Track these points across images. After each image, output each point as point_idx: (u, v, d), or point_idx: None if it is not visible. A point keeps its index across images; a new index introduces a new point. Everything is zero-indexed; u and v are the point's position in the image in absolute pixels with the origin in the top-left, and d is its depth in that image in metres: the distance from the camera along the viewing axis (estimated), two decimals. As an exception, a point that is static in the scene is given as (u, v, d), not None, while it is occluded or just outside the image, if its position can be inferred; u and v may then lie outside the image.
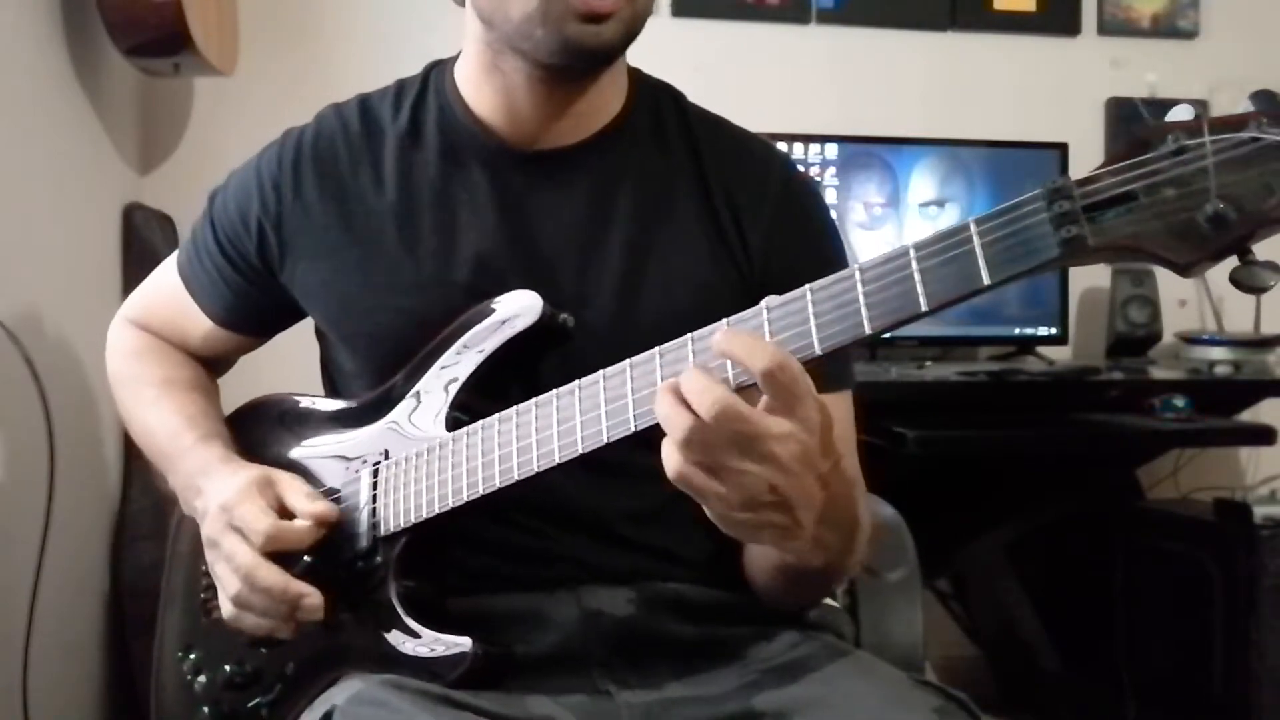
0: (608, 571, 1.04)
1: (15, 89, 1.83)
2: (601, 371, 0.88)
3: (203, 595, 1.13)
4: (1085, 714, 2.57)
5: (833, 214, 1.19)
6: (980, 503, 2.52)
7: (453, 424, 1.00)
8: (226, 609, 1.02)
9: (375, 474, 1.03)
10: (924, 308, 0.76)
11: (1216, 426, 2.39)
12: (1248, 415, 2.61)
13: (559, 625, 1.02)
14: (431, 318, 1.04)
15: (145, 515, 2.12)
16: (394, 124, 1.11)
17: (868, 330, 0.78)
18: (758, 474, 0.77)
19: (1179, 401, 2.27)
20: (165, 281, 1.23)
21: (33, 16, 1.92)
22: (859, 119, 2.69)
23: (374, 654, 0.99)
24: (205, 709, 1.11)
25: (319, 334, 1.17)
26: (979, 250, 0.74)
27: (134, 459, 2.12)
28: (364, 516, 1.02)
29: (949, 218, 2.61)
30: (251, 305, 1.17)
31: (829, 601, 1.16)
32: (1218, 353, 2.57)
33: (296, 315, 1.18)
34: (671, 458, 0.78)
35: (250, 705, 1.07)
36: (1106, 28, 2.85)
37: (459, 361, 1.02)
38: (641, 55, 1.08)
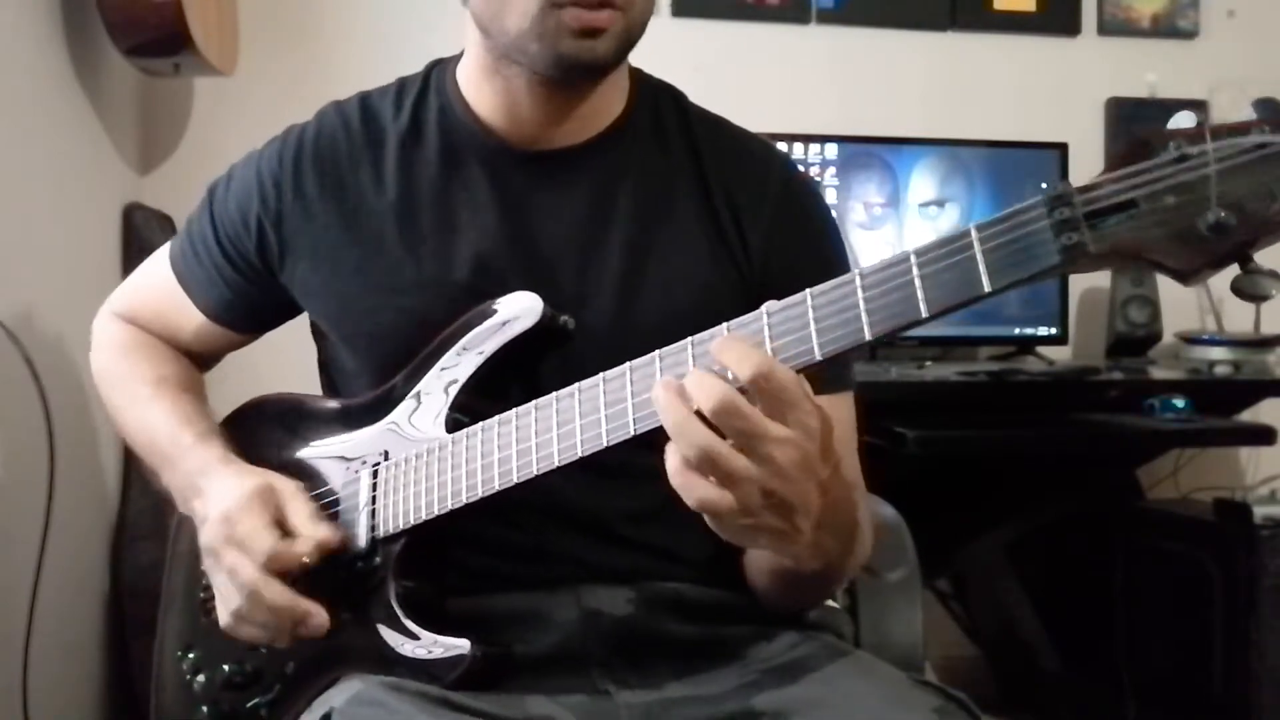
0: (607, 571, 1.04)
1: (15, 89, 1.83)
2: (601, 375, 0.88)
3: (202, 595, 1.13)
4: (1085, 714, 2.57)
5: (833, 214, 1.18)
6: (980, 503, 2.52)
7: (452, 425, 1.00)
8: (225, 619, 1.02)
9: (375, 475, 1.03)
10: (924, 314, 0.76)
11: (1216, 426, 2.39)
12: (1248, 415, 2.61)
13: (558, 625, 1.02)
14: (432, 318, 1.04)
15: (145, 515, 2.12)
16: (395, 122, 1.11)
17: (868, 336, 0.78)
18: (756, 477, 0.77)
19: (1179, 401, 2.27)
20: (157, 274, 1.22)
21: (33, 16, 1.92)
22: (859, 119, 2.69)
23: (373, 655, 0.99)
24: (204, 708, 1.10)
25: (316, 333, 1.17)
26: (980, 256, 0.74)
27: (134, 459, 2.12)
28: (363, 517, 1.02)
29: (949, 218, 2.61)
30: (247, 302, 1.16)
31: (829, 602, 1.16)
32: (1218, 353, 2.57)
33: (291, 313, 1.18)
34: (672, 460, 0.78)
35: (249, 705, 1.07)
36: (1106, 28, 2.85)
37: (459, 363, 1.01)
38: (641, 55, 1.08)
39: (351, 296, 1.08)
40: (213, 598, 1.09)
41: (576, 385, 0.90)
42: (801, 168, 1.29)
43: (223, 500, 1.01)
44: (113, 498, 2.17)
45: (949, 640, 2.75)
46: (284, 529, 1.00)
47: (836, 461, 0.83)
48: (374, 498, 1.02)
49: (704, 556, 1.06)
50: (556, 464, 0.90)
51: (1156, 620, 2.44)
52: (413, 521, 0.99)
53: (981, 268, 0.74)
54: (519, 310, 1.00)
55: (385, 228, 1.08)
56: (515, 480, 0.93)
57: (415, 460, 1.00)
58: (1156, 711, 2.42)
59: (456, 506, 0.96)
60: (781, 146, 1.23)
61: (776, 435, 0.77)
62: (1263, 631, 2.24)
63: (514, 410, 0.94)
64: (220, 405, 1.21)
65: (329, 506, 1.05)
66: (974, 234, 0.75)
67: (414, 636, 0.97)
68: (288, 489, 1.02)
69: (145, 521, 2.11)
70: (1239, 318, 2.70)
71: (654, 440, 0.81)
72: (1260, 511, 2.25)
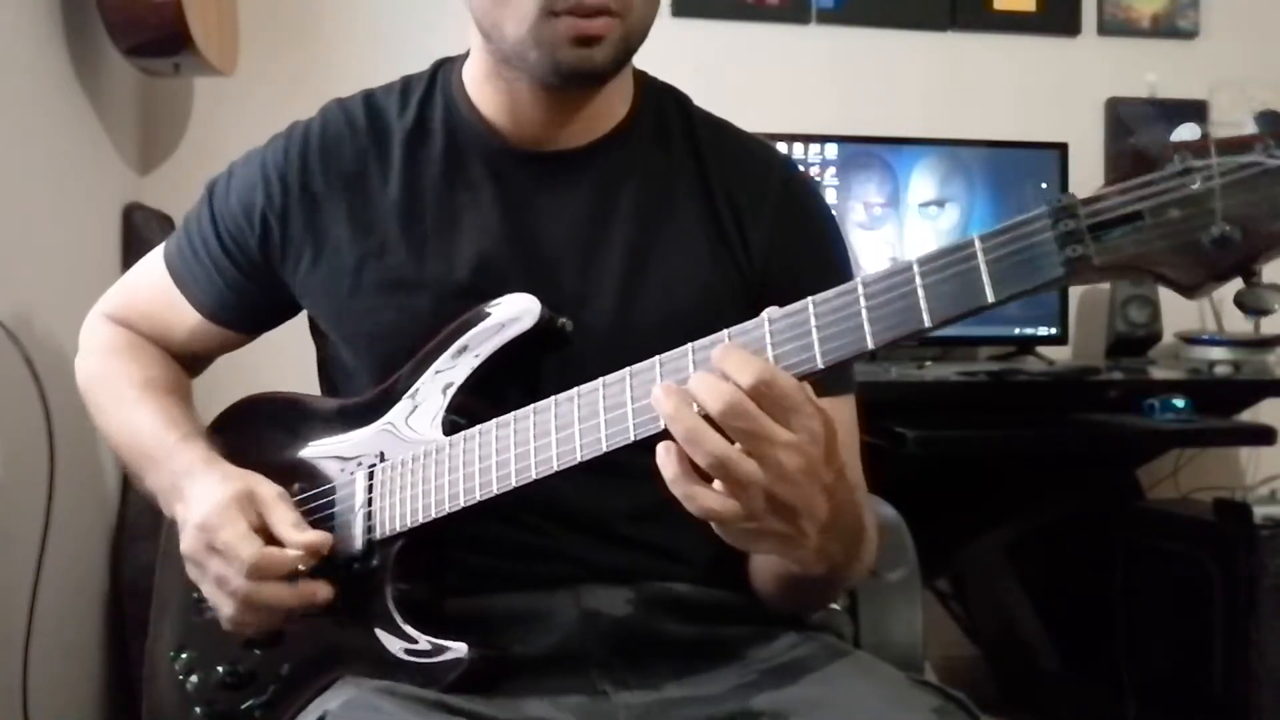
0: (607, 571, 1.04)
1: (15, 89, 1.83)
2: (601, 379, 0.88)
3: (195, 595, 1.11)
4: (1085, 714, 2.57)
5: (834, 216, 1.18)
6: (980, 503, 2.52)
7: (449, 427, 1.00)
8: (225, 624, 1.02)
9: (370, 476, 1.03)
10: (927, 324, 0.76)
11: (1216, 426, 2.39)
12: (1248, 415, 2.61)
13: (557, 625, 1.02)
14: (432, 317, 1.04)
15: (145, 515, 2.11)
16: (400, 121, 1.11)
17: (870, 345, 0.78)
18: (761, 482, 0.77)
19: (1179, 401, 2.27)
20: (150, 275, 1.21)
21: (33, 16, 1.92)
22: (859, 119, 2.69)
23: (369, 657, 0.98)
24: (198, 709, 1.10)
25: (315, 332, 1.17)
26: (983, 267, 0.74)
27: (130, 461, 2.12)
28: (359, 519, 1.02)
29: (949, 218, 2.61)
30: (246, 300, 1.16)
31: (829, 603, 1.16)
32: (1217, 353, 2.57)
33: (288, 313, 1.18)
34: (670, 468, 0.78)
35: (244, 706, 1.07)
36: (1106, 28, 2.85)
37: (456, 364, 1.01)
38: (641, 55, 1.08)
39: (352, 294, 1.08)
40: (205, 599, 1.09)
41: (575, 390, 0.89)
42: (801, 168, 1.29)
43: (200, 506, 1.00)
44: (113, 498, 2.17)
45: (949, 640, 2.75)
46: (267, 535, 0.98)
47: (841, 466, 0.83)
48: (370, 499, 1.02)
49: (704, 556, 1.06)
50: (555, 468, 0.90)
51: (1156, 620, 2.44)
52: (410, 524, 0.99)
53: (985, 278, 0.74)
54: (517, 312, 0.99)
55: (388, 226, 1.08)
56: (514, 484, 0.92)
57: (412, 462, 1.00)
58: (1156, 711, 2.42)
59: (454, 510, 0.96)
60: (781, 146, 1.23)
61: (782, 439, 0.77)
62: (1263, 631, 2.24)
63: (512, 414, 0.94)
64: (219, 405, 1.20)
65: (324, 507, 1.04)
66: (977, 244, 0.75)
67: (411, 639, 0.97)
68: (269, 495, 1.01)
69: (145, 521, 2.11)
70: (1239, 318, 2.69)
71: (654, 444, 0.80)
72: (1260, 511, 2.25)
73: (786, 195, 1.11)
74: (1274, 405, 2.53)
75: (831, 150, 2.56)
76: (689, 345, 0.84)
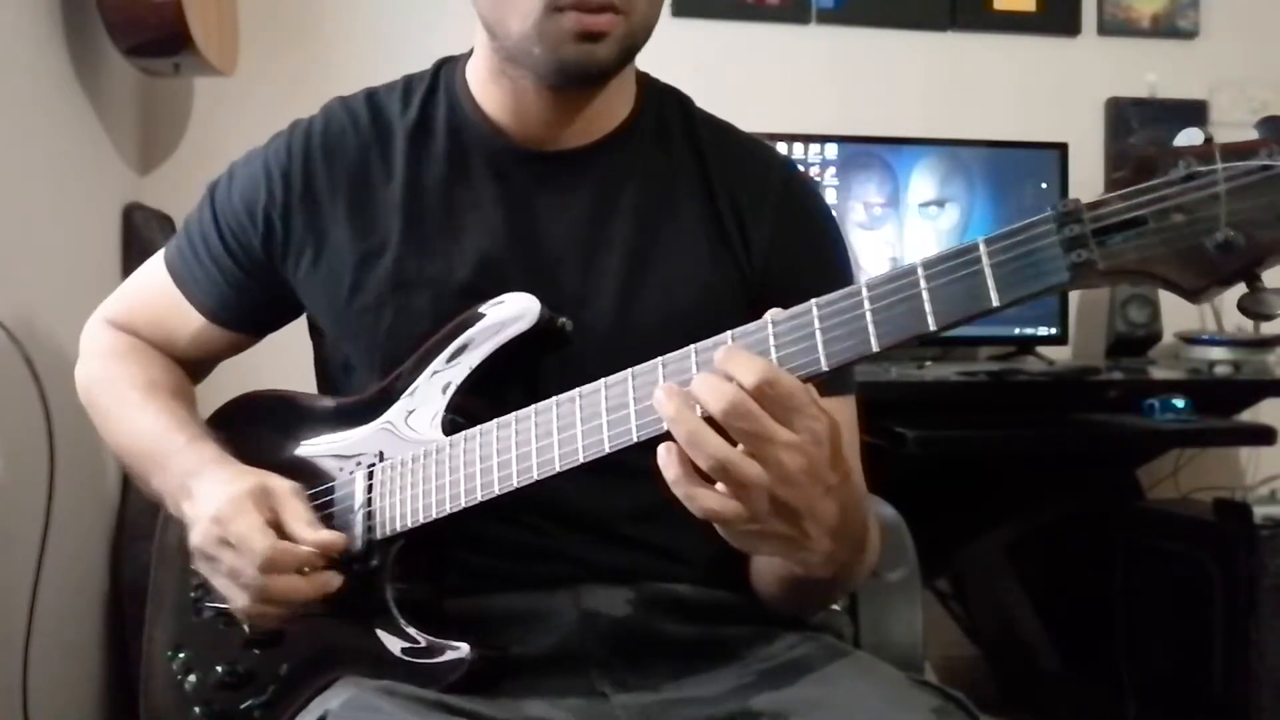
0: (607, 570, 1.04)
1: (15, 89, 1.83)
2: (603, 380, 0.88)
3: (193, 595, 1.12)
4: (1085, 714, 2.57)
5: (835, 217, 1.18)
6: (980, 503, 2.52)
7: (449, 427, 1.00)
8: (239, 617, 1.02)
9: (370, 476, 1.03)
10: (932, 327, 0.76)
11: (1216, 426, 2.39)
12: (1248, 415, 2.61)
13: (557, 626, 1.02)
14: (433, 317, 1.04)
15: (145, 515, 2.11)
16: (402, 119, 1.11)
17: (875, 348, 0.78)
18: (764, 484, 0.77)
19: (1179, 401, 2.27)
20: (151, 279, 1.21)
21: (33, 16, 1.92)
22: (859, 119, 2.69)
23: (368, 657, 0.98)
24: (197, 709, 1.10)
25: (313, 331, 1.17)
26: (988, 271, 0.75)
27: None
28: (359, 519, 1.02)
29: (949, 218, 2.61)
30: (247, 301, 1.16)
31: (829, 604, 1.16)
32: (1217, 353, 2.57)
33: (290, 315, 1.17)
34: (672, 469, 0.78)
35: (243, 706, 1.07)
36: (1106, 28, 2.85)
37: (456, 364, 1.01)
38: (642, 55, 1.08)
39: (353, 293, 1.08)
40: (204, 597, 1.09)
41: (577, 390, 0.89)
42: (801, 168, 1.29)
43: (214, 501, 0.99)
44: (113, 498, 2.17)
45: (949, 640, 2.75)
46: (280, 531, 0.98)
47: (848, 470, 0.83)
48: (370, 499, 1.02)
49: (705, 556, 1.06)
50: (557, 469, 0.90)
51: (1156, 620, 2.44)
52: (411, 524, 0.99)
53: (989, 282, 0.75)
54: (516, 311, 0.99)
55: (390, 224, 1.08)
56: (515, 485, 0.92)
57: (412, 462, 1.00)
58: (1156, 711, 2.42)
59: (455, 510, 0.96)
60: (781, 146, 1.23)
61: (785, 440, 0.77)
62: (1263, 631, 2.24)
63: (513, 414, 0.94)
64: (219, 405, 1.20)
65: (323, 506, 1.04)
66: (982, 248, 0.75)
67: (411, 639, 0.97)
68: (284, 489, 1.00)
69: (145, 521, 2.10)
70: (1239, 318, 2.70)
71: (655, 443, 0.80)
72: (1260, 511, 2.25)
73: (787, 196, 1.11)
74: (1274, 405, 2.53)
75: (831, 150, 2.56)
76: (692, 346, 0.84)
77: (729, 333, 0.83)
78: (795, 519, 0.80)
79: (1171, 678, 2.40)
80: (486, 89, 1.09)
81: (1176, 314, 2.69)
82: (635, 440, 0.85)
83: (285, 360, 1.26)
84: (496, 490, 0.93)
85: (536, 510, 1.02)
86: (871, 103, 2.75)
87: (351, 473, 1.04)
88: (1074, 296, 2.73)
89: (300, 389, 1.16)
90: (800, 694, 0.95)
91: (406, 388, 1.04)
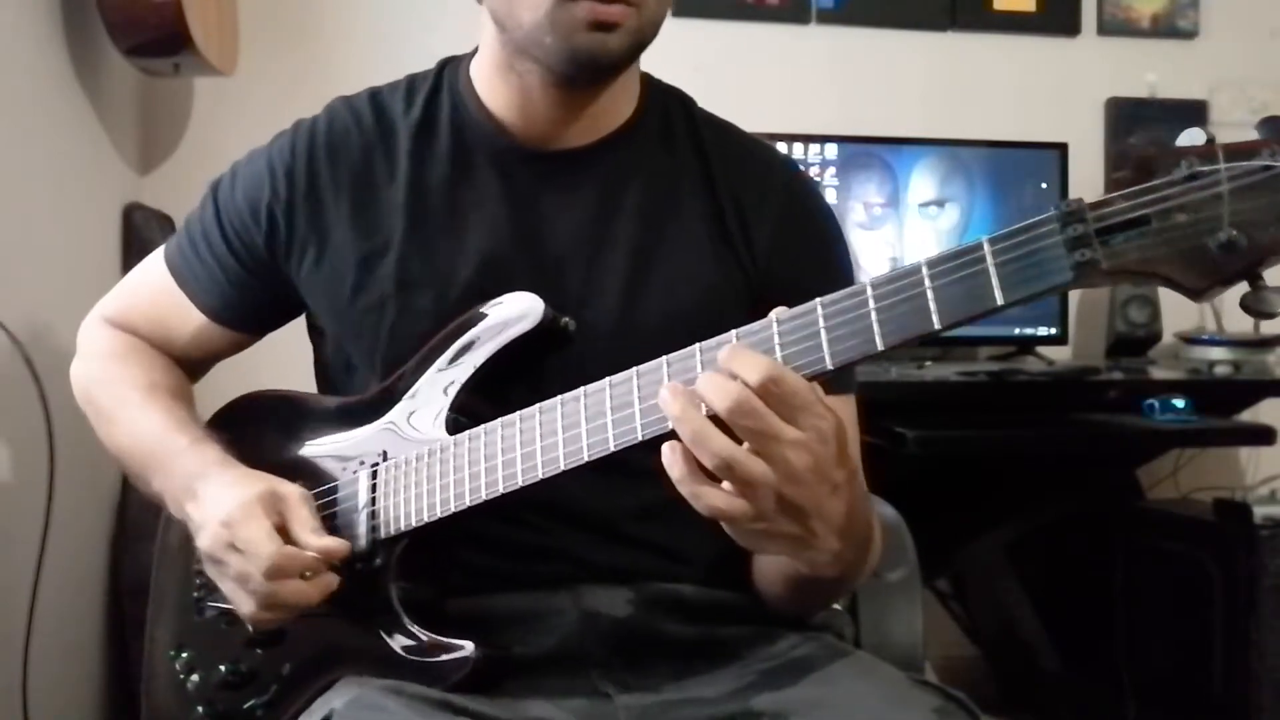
0: (608, 570, 1.04)
1: (15, 89, 1.83)
2: (607, 379, 0.88)
3: (195, 594, 1.12)
4: (1085, 714, 2.57)
5: (838, 219, 1.18)
6: (980, 503, 2.52)
7: (452, 426, 1.00)
8: (246, 621, 1.01)
9: (373, 475, 1.03)
10: (937, 325, 0.76)
11: (1216, 426, 2.39)
12: (1248, 415, 2.61)
13: (558, 626, 1.02)
14: (436, 316, 1.04)
15: (145, 515, 2.11)
16: (406, 118, 1.11)
17: (880, 347, 0.78)
18: (770, 482, 0.77)
19: (1179, 402, 2.27)
20: (151, 277, 1.20)
21: (33, 16, 1.92)
22: (859, 119, 2.69)
23: (372, 656, 0.98)
24: (199, 709, 1.10)
25: (313, 331, 1.17)
26: (992, 270, 0.75)
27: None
28: (363, 518, 1.02)
29: (949, 218, 2.61)
30: (249, 299, 1.15)
31: (830, 604, 1.16)
32: (1217, 353, 2.57)
33: (291, 314, 1.17)
34: (677, 467, 0.78)
35: (246, 706, 1.07)
36: (1106, 28, 2.85)
37: (459, 364, 1.01)
38: (642, 55, 1.08)
39: (356, 292, 1.07)
40: (205, 597, 1.09)
41: (581, 389, 0.89)
42: (802, 169, 1.30)
43: (223, 505, 0.99)
44: (113, 498, 2.17)
45: (949, 640, 2.75)
46: (286, 536, 0.97)
47: (854, 468, 0.83)
48: (374, 499, 1.02)
49: (707, 556, 1.06)
50: (562, 468, 0.90)
51: (1156, 620, 2.44)
52: (415, 524, 0.99)
53: (994, 281, 0.75)
54: (519, 311, 0.99)
55: (394, 223, 1.08)
56: (520, 484, 0.92)
57: (416, 461, 1.00)
58: (1156, 711, 2.42)
59: (459, 509, 0.96)
60: (781, 146, 1.24)
61: (790, 438, 0.77)
62: (1263, 631, 2.24)
63: (517, 413, 0.94)
64: (219, 405, 1.20)
65: (326, 506, 1.04)
66: (986, 247, 0.75)
67: (415, 638, 0.97)
68: (293, 495, 1.00)
69: (145, 521, 2.10)
70: (1239, 318, 2.69)
71: (660, 442, 0.80)
72: (1260, 511, 2.25)
73: (790, 196, 1.12)
74: (1274, 405, 2.53)
75: (831, 150, 2.56)
76: (696, 345, 0.84)
77: (734, 331, 0.83)
78: (802, 518, 0.80)
79: (1171, 678, 2.40)
80: (492, 86, 1.09)
81: (1176, 314, 2.69)
82: (640, 439, 0.85)
83: (285, 360, 1.26)
84: (500, 489, 0.93)
85: (538, 509, 1.02)
86: (871, 103, 2.75)
87: (355, 472, 1.04)
88: (1074, 297, 2.73)
89: (300, 389, 1.16)
90: (801, 694, 0.95)
91: (409, 387, 1.04)
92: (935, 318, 0.76)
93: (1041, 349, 2.64)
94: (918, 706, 0.93)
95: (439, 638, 0.96)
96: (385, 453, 1.03)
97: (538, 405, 0.92)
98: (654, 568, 1.05)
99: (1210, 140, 0.73)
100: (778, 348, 0.80)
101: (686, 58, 2.27)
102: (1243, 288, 0.74)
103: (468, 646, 0.95)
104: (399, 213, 1.08)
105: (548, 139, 1.08)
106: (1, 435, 1.74)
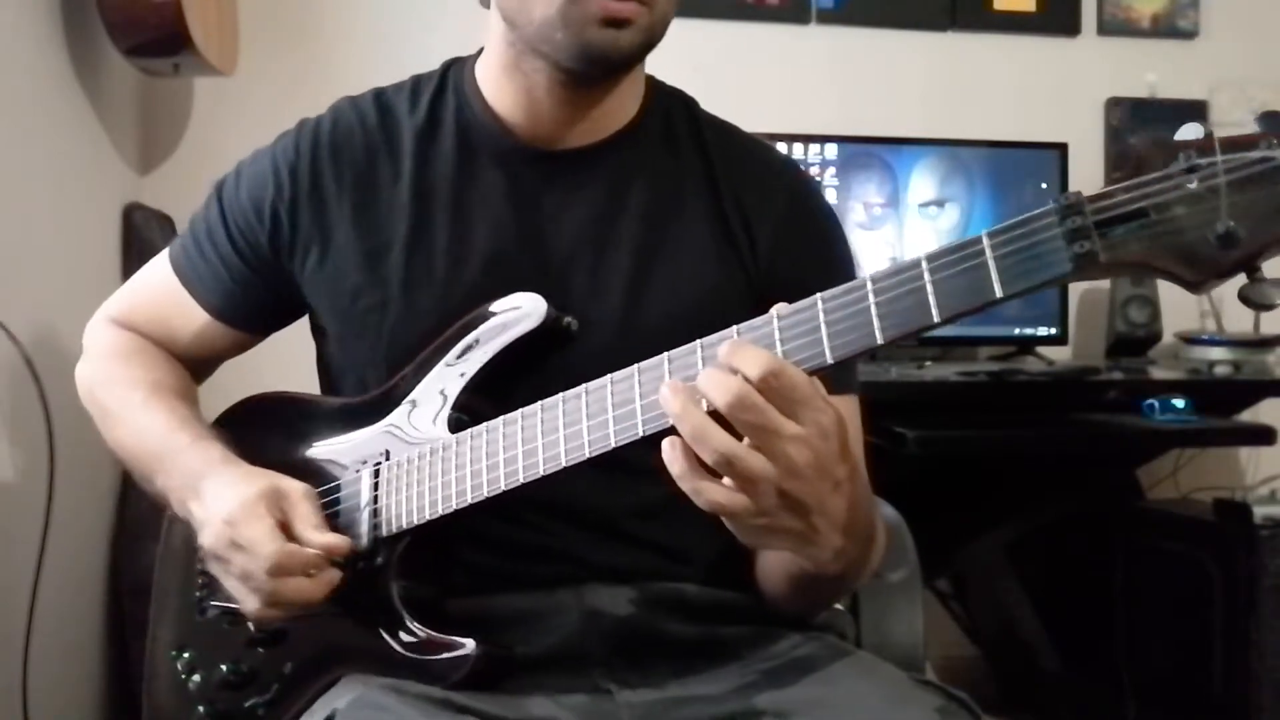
0: (610, 569, 1.04)
1: (15, 89, 1.83)
2: (609, 376, 0.88)
3: (197, 594, 1.12)
4: (1085, 714, 2.57)
5: (840, 220, 1.19)
6: (980, 503, 2.52)
7: (455, 425, 1.00)
8: (250, 618, 1.02)
9: (376, 474, 1.03)
10: (936, 318, 0.77)
11: (1216, 426, 2.39)
12: (1248, 415, 2.61)
13: (560, 626, 1.02)
14: (440, 315, 1.04)
15: (145, 515, 2.12)
16: (411, 118, 1.11)
17: (880, 340, 0.78)
18: (771, 477, 0.77)
19: (1179, 402, 2.27)
20: (156, 277, 1.21)
21: (33, 16, 1.92)
22: (859, 119, 2.70)
23: (373, 655, 0.98)
24: (201, 708, 1.10)
25: (316, 331, 1.17)
26: (991, 263, 0.75)
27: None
28: (365, 517, 1.02)
29: (949, 218, 2.62)
30: (253, 299, 1.15)
31: (831, 603, 1.16)
32: (1217, 353, 2.57)
33: (295, 313, 1.17)
34: (678, 464, 0.78)
35: (247, 705, 1.07)
36: (1106, 28, 2.86)
37: (462, 363, 1.01)
38: (642, 55, 1.08)
39: (359, 291, 1.08)
40: (207, 596, 1.09)
41: (583, 386, 0.89)
42: (804, 170, 1.30)
43: (226, 503, 0.99)
44: (113, 498, 2.17)
45: (949, 640, 2.75)
46: (288, 533, 0.98)
47: (855, 464, 0.83)
48: (376, 497, 1.02)
49: (708, 555, 1.06)
50: (564, 464, 0.90)
51: (1156, 620, 2.44)
52: (417, 521, 0.99)
53: (993, 273, 0.75)
54: (522, 311, 1.00)
55: (398, 223, 1.08)
56: (521, 480, 0.92)
57: (418, 460, 1.00)
58: (1156, 711, 2.42)
59: (462, 506, 0.96)
60: (781, 146, 1.24)
61: (791, 432, 0.77)
62: (1263, 631, 2.24)
63: (519, 411, 0.94)
64: (221, 404, 1.20)
65: (330, 505, 1.04)
66: (985, 240, 0.76)
67: (416, 636, 0.97)
68: (295, 491, 1.00)
69: (145, 521, 2.11)
70: (1239, 318, 2.70)
71: (661, 438, 0.80)
72: (1260, 511, 2.25)
73: (792, 197, 1.12)
74: (1274, 405, 2.53)
75: (831, 150, 2.56)
76: (698, 342, 0.84)
77: (734, 328, 0.83)
78: (804, 513, 0.80)
79: (1171, 678, 2.40)
80: (498, 85, 1.09)
81: (1176, 314, 2.69)
82: (641, 435, 0.85)
83: (287, 361, 1.26)
84: (502, 486, 0.94)
85: (540, 509, 1.02)
86: (871, 103, 2.75)
87: (358, 471, 1.04)
88: (1074, 298, 2.73)
89: (302, 390, 1.16)
90: (803, 693, 0.95)
91: (412, 387, 1.04)
92: (934, 311, 0.77)
93: (1041, 349, 2.64)
94: (920, 706, 0.93)
95: (440, 636, 0.96)
96: (388, 452, 1.03)
97: (539, 403, 0.92)
98: (655, 567, 1.05)
99: (1208, 134, 0.73)
100: (778, 343, 0.81)
101: (686, 58, 2.27)
102: (1241, 279, 0.74)
103: (469, 644, 0.95)
104: (403, 212, 1.08)
105: (553, 139, 1.08)
106: (2, 435, 1.74)
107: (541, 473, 0.91)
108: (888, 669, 1.01)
